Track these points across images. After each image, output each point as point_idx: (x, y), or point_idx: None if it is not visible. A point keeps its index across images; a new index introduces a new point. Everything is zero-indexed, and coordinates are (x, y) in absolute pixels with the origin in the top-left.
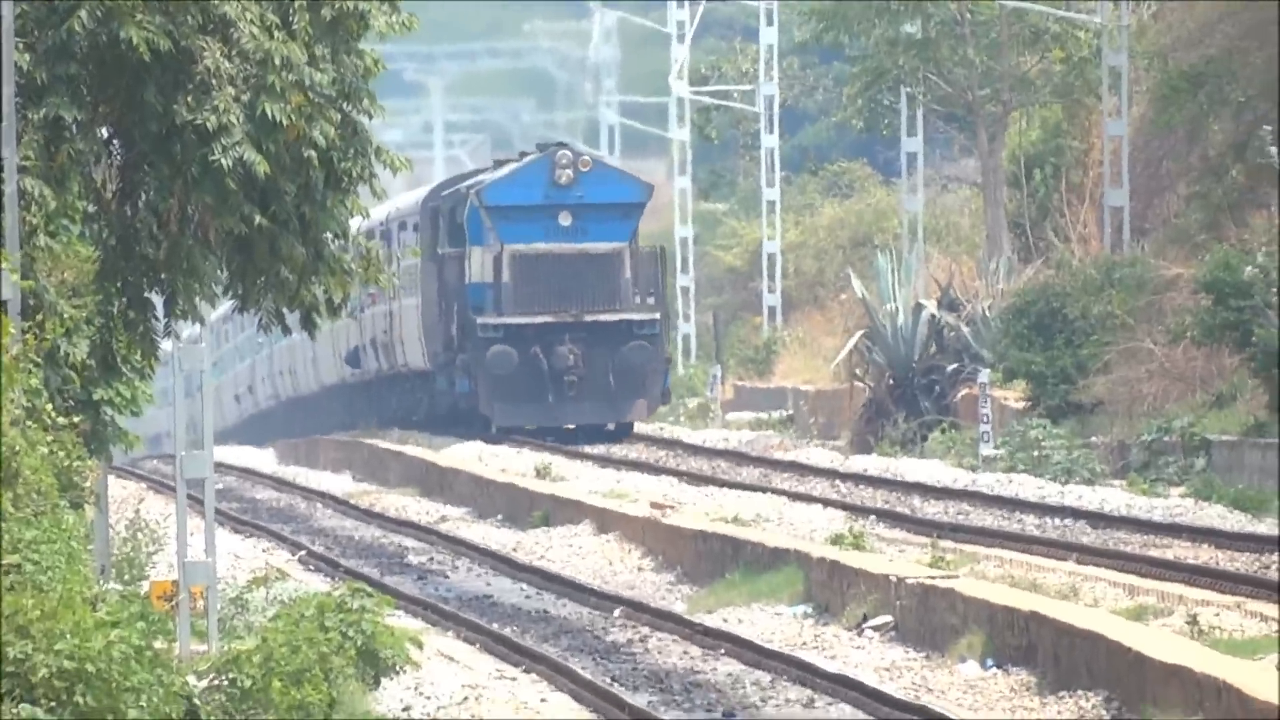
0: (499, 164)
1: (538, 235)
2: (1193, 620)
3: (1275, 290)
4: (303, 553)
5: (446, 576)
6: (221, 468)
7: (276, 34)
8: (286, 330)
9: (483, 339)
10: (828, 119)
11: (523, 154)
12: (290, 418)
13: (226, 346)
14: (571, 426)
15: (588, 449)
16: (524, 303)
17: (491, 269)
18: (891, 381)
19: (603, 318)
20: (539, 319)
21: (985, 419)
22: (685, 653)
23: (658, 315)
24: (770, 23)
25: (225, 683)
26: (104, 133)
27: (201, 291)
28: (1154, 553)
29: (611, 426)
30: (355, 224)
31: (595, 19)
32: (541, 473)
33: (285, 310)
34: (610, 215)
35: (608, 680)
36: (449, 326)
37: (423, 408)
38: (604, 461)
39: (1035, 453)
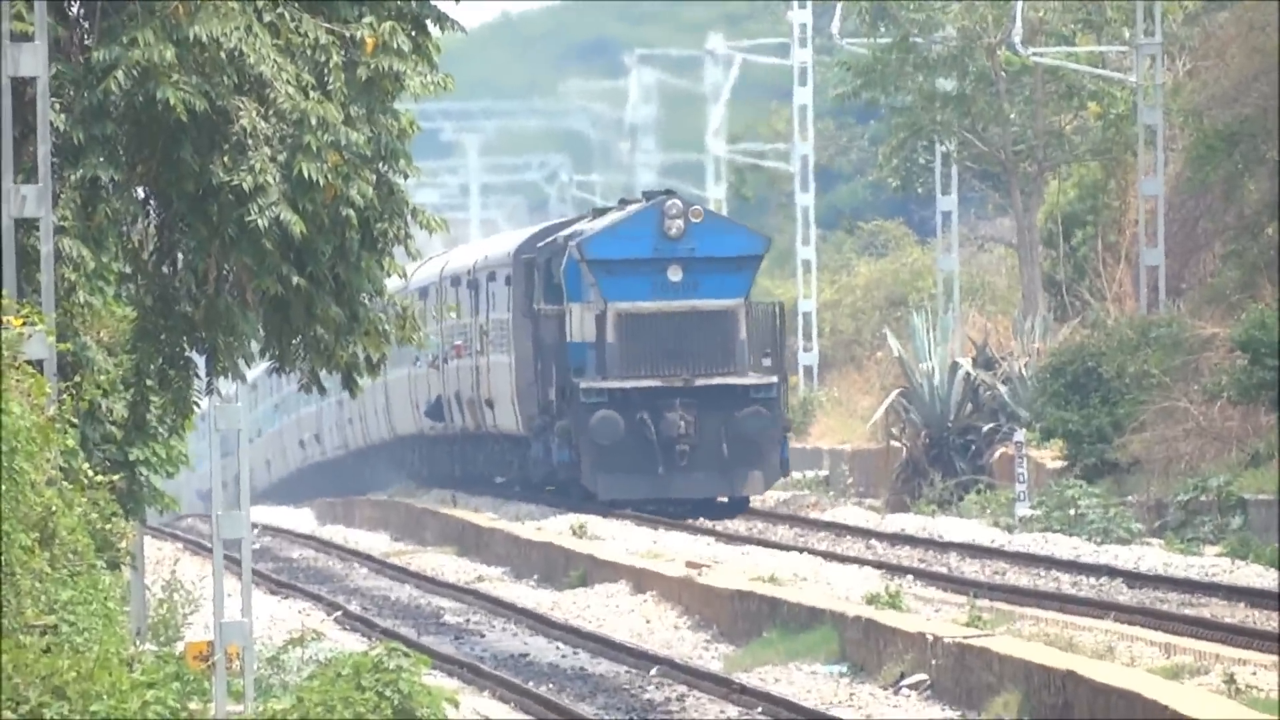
0: (599, 213)
1: (645, 292)
2: (1230, 679)
3: None
4: (339, 613)
5: (483, 636)
6: (258, 527)
7: (312, 94)
8: (323, 390)
9: (585, 404)
10: (862, 178)
11: (623, 201)
12: (360, 468)
13: (290, 388)
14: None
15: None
16: (630, 365)
17: (594, 328)
18: (927, 441)
19: (716, 381)
20: (646, 383)
21: (1021, 478)
22: (722, 712)
23: (775, 379)
24: (804, 83)
25: None
26: (140, 193)
27: (241, 350)
28: (1190, 611)
29: (725, 500)
30: (438, 269)
31: (631, 79)
32: (578, 532)
33: (323, 370)
34: (723, 269)
35: None
36: (546, 389)
37: (513, 473)
38: (639, 520)
39: (1071, 512)
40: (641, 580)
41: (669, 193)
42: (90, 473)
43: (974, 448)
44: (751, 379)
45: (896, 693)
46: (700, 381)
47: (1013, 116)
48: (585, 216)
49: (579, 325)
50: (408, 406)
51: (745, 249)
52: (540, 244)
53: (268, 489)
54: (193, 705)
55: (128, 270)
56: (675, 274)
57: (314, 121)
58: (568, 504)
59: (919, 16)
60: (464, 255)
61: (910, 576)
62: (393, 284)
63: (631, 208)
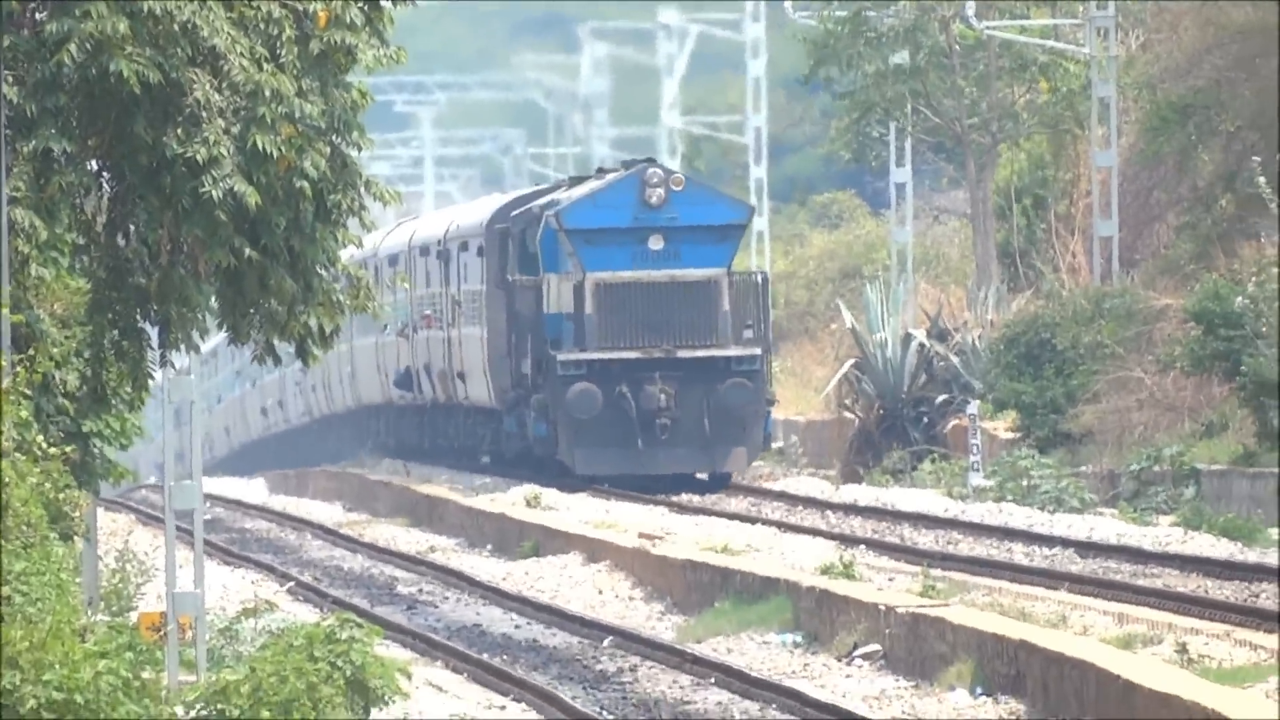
0: (575, 181)
1: (624, 261)
2: (1182, 649)
3: (1264, 321)
4: (292, 583)
5: (436, 606)
6: (210, 498)
7: (266, 67)
8: (278, 361)
9: (562, 377)
10: (815, 149)
11: (600, 170)
12: (324, 435)
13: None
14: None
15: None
16: (609, 336)
17: (572, 299)
18: (881, 412)
19: (698, 353)
20: (626, 355)
21: (975, 449)
22: (675, 682)
23: (759, 350)
24: (757, 55)
25: (214, 713)
26: (94, 165)
27: (194, 322)
28: (1143, 581)
29: (706, 476)
30: (406, 237)
31: (585, 52)
32: (531, 502)
33: (277, 341)
34: (706, 238)
35: (597, 709)
36: (521, 362)
37: (485, 447)
38: (594, 491)
39: (1025, 482)
40: (594, 551)
41: (650, 160)
42: (44, 445)
43: (927, 419)
44: (734, 351)
45: (850, 663)
46: (682, 353)
47: (964, 90)
48: (561, 185)
49: (556, 296)
50: (375, 375)
51: (728, 218)
52: (514, 213)
53: (228, 456)
54: (145, 675)
55: (81, 242)
56: (656, 243)
57: (268, 94)
58: (542, 479)
59: None
60: (433, 223)
61: (864, 547)
62: (362, 249)
63: (610, 176)
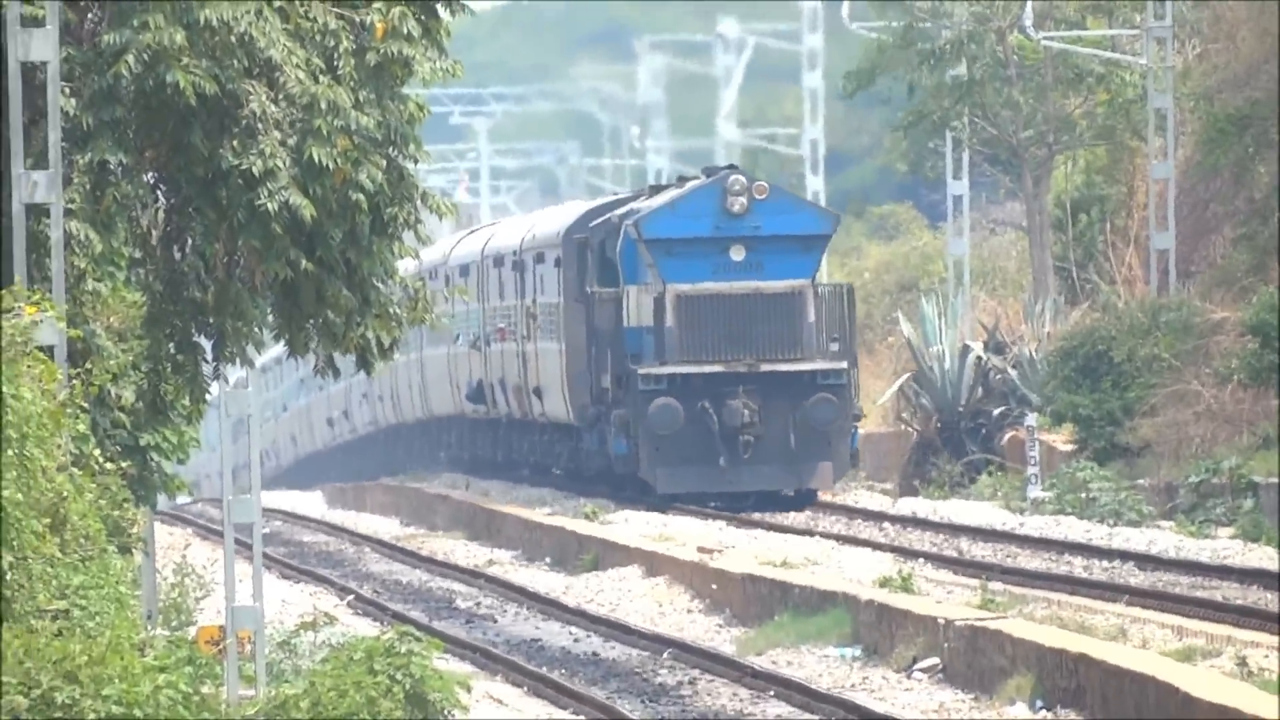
0: (655, 190)
1: (706, 272)
2: (1242, 661)
3: None
4: (351, 597)
5: (495, 620)
6: (268, 512)
7: (322, 79)
8: (337, 374)
9: (643, 392)
10: (872, 161)
11: (681, 179)
12: (392, 447)
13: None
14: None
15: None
16: (691, 350)
17: (652, 311)
18: (939, 424)
19: (782, 367)
20: (708, 368)
21: (1033, 461)
22: (734, 695)
23: (845, 364)
24: (814, 67)
25: None
26: (150, 177)
27: (249, 335)
28: (1203, 594)
29: (791, 493)
30: (479, 245)
31: (642, 63)
32: (590, 516)
33: (336, 354)
34: (790, 249)
35: None
36: (600, 377)
37: (563, 464)
38: (652, 505)
39: (1083, 495)
40: (653, 564)
41: (732, 168)
42: (100, 458)
43: (984, 431)
44: (820, 364)
45: (909, 676)
46: (765, 367)
47: (1021, 101)
48: (640, 194)
49: (636, 308)
50: (446, 386)
51: (813, 227)
52: (593, 223)
53: (293, 465)
54: (205, 689)
55: (137, 255)
56: (738, 254)
57: (324, 106)
58: (624, 498)
59: (927, 3)
60: (508, 232)
61: (922, 560)
62: (432, 257)
63: (691, 184)
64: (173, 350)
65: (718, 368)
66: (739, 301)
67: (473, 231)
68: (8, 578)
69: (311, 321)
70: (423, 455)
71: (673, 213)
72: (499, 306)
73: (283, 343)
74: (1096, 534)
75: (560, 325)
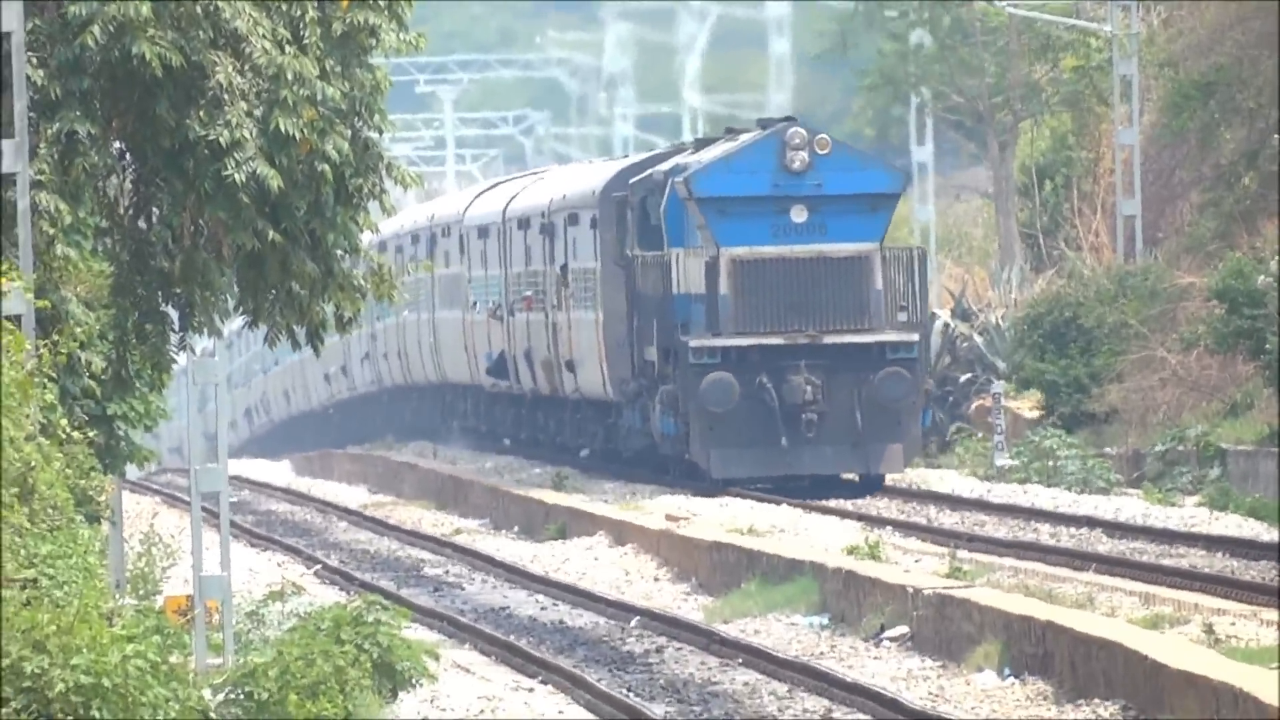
0: (702, 144)
1: (764, 235)
2: (1209, 629)
3: None
4: (318, 566)
5: (463, 589)
6: (236, 481)
7: (288, 49)
8: (297, 345)
9: (694, 366)
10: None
11: (729, 130)
12: (397, 407)
13: None
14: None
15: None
16: (748, 320)
17: (703, 277)
18: None
19: (847, 339)
20: (767, 340)
21: (999, 429)
22: (702, 663)
23: (916, 336)
24: (780, 32)
25: (241, 696)
26: (117, 147)
27: (216, 305)
28: (1170, 562)
29: (856, 478)
30: (499, 206)
31: (608, 30)
32: (557, 484)
33: (296, 326)
34: (856, 209)
35: (625, 691)
36: (644, 349)
37: (597, 444)
38: (618, 475)
39: (1050, 462)
40: (621, 532)
41: (790, 119)
42: (68, 428)
43: (951, 399)
44: (889, 335)
45: (877, 644)
46: (829, 339)
47: (985, 67)
48: (683, 148)
49: (685, 274)
50: (460, 353)
51: (880, 185)
52: (633, 180)
53: (287, 420)
54: (173, 659)
55: (104, 225)
56: (799, 214)
57: (290, 76)
58: (668, 482)
59: None
60: (534, 191)
61: (890, 528)
62: (444, 214)
63: (745, 137)
64: (139, 320)
65: (777, 340)
66: (800, 267)
67: (494, 185)
68: None
69: (275, 292)
70: (432, 419)
71: (727, 168)
72: (524, 272)
73: (242, 314)
74: (1063, 501)
75: (597, 293)
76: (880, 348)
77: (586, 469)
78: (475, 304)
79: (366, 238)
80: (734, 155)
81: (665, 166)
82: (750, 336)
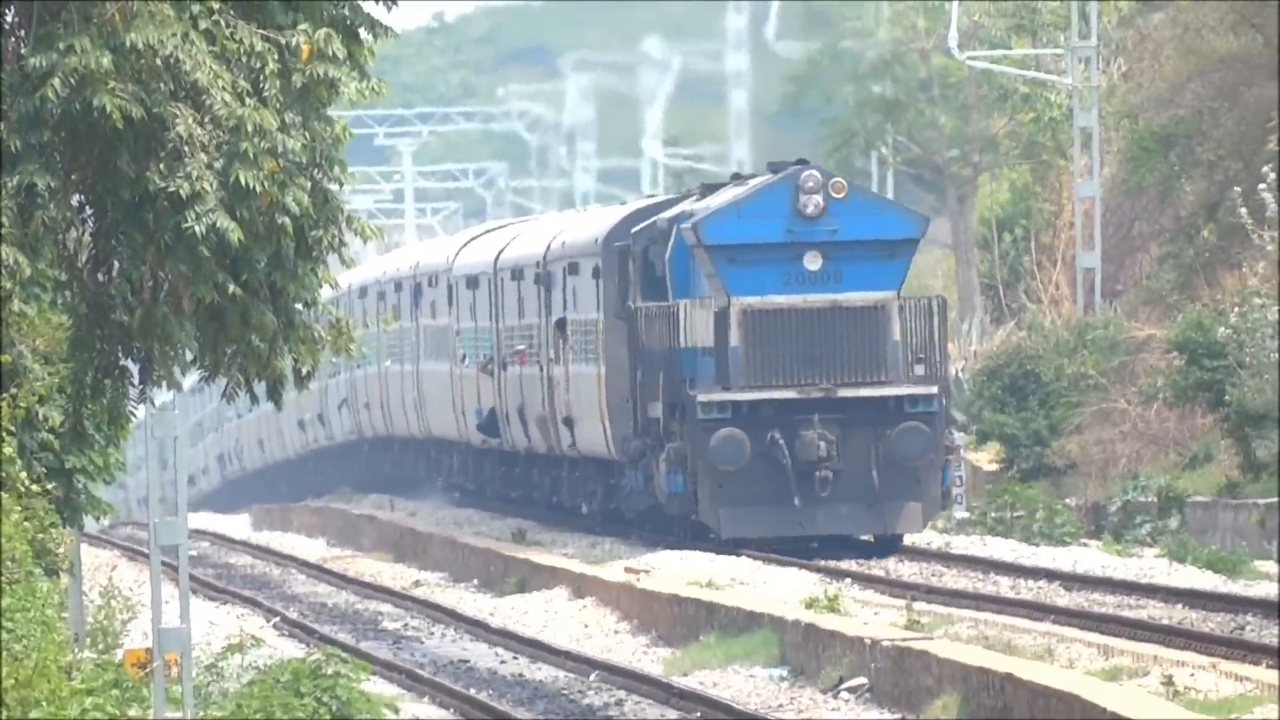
0: (708, 189)
1: (776, 284)
2: (1168, 680)
3: (1247, 351)
4: (277, 619)
5: (422, 642)
6: (196, 534)
7: (248, 101)
8: (254, 399)
9: (703, 421)
10: None
11: (736, 176)
12: (377, 459)
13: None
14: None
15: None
16: (758, 373)
17: (712, 329)
18: None
19: (864, 392)
20: (779, 394)
21: (959, 481)
22: (661, 716)
23: (935, 389)
24: (740, 85)
25: None
26: (77, 200)
27: (176, 359)
28: (1129, 613)
29: (872, 539)
30: (490, 256)
31: (569, 83)
32: (517, 537)
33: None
34: (872, 256)
35: None
36: (648, 404)
37: (595, 503)
38: (577, 528)
39: (1009, 514)
40: (580, 585)
41: (804, 162)
42: (27, 481)
43: None
44: (907, 389)
45: (836, 696)
46: (844, 392)
47: (942, 121)
48: (689, 194)
49: (693, 326)
50: (447, 408)
51: (898, 231)
52: (636, 228)
53: (263, 469)
54: (132, 712)
55: (63, 278)
56: (813, 262)
57: (250, 128)
58: (675, 542)
59: (855, 24)
60: (528, 240)
61: (849, 580)
62: (430, 263)
63: (755, 182)
64: (97, 373)
65: (790, 393)
66: (815, 317)
67: (485, 234)
68: None
69: (235, 346)
70: (416, 472)
71: (736, 214)
72: (517, 325)
73: (200, 368)
74: (1022, 553)
75: (599, 346)
76: (898, 401)
77: (545, 522)
78: (464, 357)
79: (326, 292)
80: (744, 200)
81: (670, 214)
82: (761, 390)
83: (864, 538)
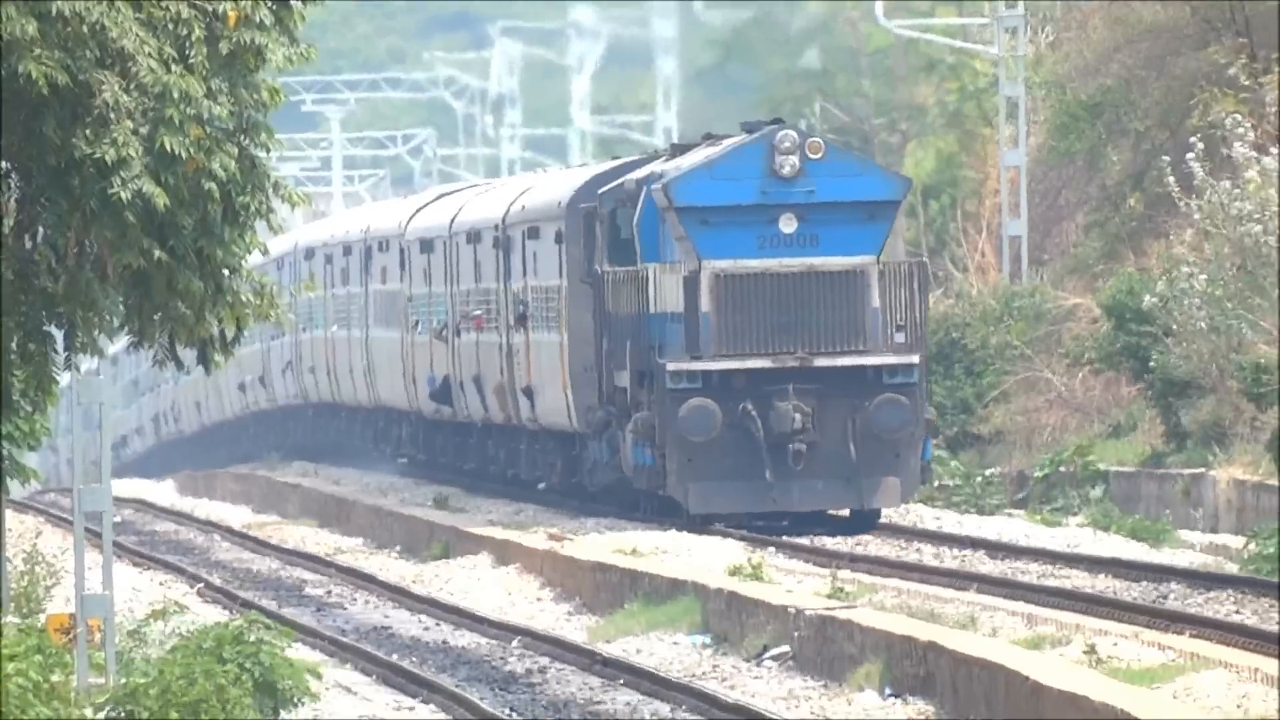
0: (678, 149)
1: (749, 247)
2: (1091, 649)
3: (1174, 319)
4: (201, 585)
5: (345, 608)
6: (120, 501)
7: (174, 68)
8: (180, 365)
9: (672, 391)
10: None
11: (708, 136)
12: (322, 425)
13: None
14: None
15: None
16: (731, 341)
17: (682, 294)
18: None
19: (841, 362)
20: (752, 363)
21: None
22: (584, 683)
23: (916, 359)
24: (668, 53)
25: (123, 715)
26: (2, 166)
27: (101, 325)
28: (1052, 582)
29: (848, 514)
30: (446, 218)
31: (495, 50)
32: (440, 503)
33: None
34: (851, 219)
35: (507, 710)
36: (614, 374)
37: (555, 477)
38: (502, 494)
39: (934, 483)
40: (504, 552)
41: (779, 121)
42: None
43: None
44: (887, 358)
45: (759, 664)
46: (821, 362)
47: (869, 91)
48: (657, 155)
49: (662, 291)
50: (397, 376)
51: (878, 192)
52: (602, 190)
53: (199, 432)
54: (55, 678)
55: None
56: (789, 224)
57: (176, 95)
58: (638, 517)
59: None
60: (485, 202)
61: (773, 548)
62: (382, 228)
63: (729, 142)
64: (22, 339)
65: (763, 362)
66: (790, 282)
67: (442, 196)
68: None
69: (161, 312)
70: (363, 441)
71: (709, 175)
72: (473, 290)
73: (127, 334)
74: (947, 522)
75: (561, 313)
76: (876, 372)
77: (471, 489)
78: (417, 323)
79: (256, 257)
80: (717, 161)
81: (639, 175)
82: (734, 359)
83: (840, 513)
